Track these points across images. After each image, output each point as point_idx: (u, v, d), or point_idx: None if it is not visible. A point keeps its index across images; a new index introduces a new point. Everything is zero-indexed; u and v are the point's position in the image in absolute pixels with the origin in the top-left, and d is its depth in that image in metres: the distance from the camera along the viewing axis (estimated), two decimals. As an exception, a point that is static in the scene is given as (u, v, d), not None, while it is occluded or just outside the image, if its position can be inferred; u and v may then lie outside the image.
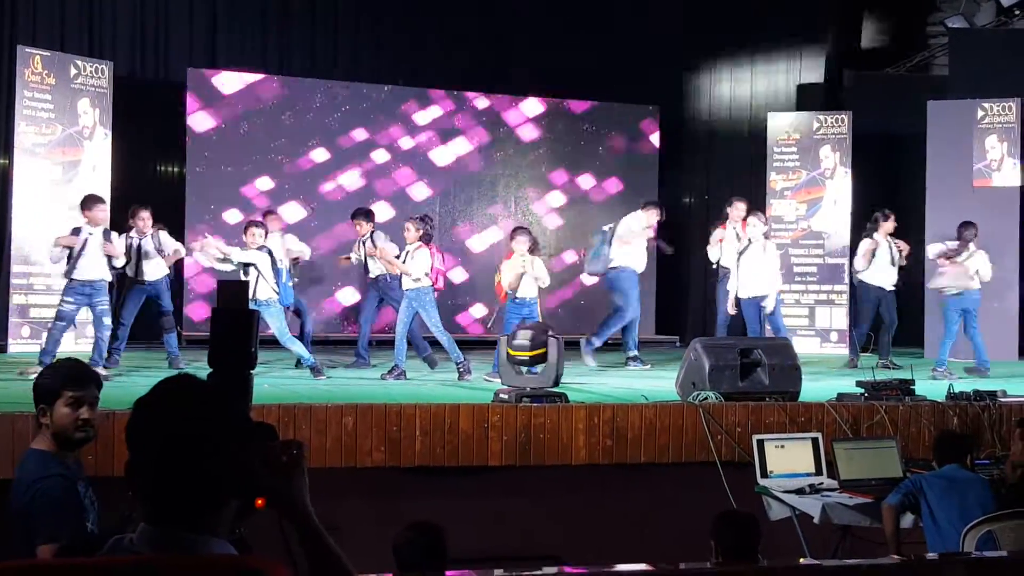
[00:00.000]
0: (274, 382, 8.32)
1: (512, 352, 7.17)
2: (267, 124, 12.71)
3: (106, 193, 11.09)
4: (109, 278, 8.73)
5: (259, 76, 12.79)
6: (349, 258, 10.27)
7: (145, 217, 9.58)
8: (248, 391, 3.01)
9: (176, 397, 1.81)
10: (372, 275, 9.93)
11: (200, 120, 12.40)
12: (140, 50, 12.58)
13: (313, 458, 5.98)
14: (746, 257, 9.98)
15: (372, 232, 9.90)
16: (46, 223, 10.74)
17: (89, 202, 8.79)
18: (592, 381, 8.81)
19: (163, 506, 1.75)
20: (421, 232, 9.10)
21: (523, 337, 7.19)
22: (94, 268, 8.53)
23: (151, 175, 12.75)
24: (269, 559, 1.71)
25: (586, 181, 14.15)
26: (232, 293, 3.32)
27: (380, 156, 13.20)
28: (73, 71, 10.97)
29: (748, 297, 9.94)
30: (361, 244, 9.97)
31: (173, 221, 12.23)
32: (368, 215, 10.10)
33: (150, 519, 1.77)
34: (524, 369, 7.22)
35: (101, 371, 8.18)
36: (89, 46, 12.01)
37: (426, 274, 8.98)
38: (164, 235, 9.82)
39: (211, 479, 1.76)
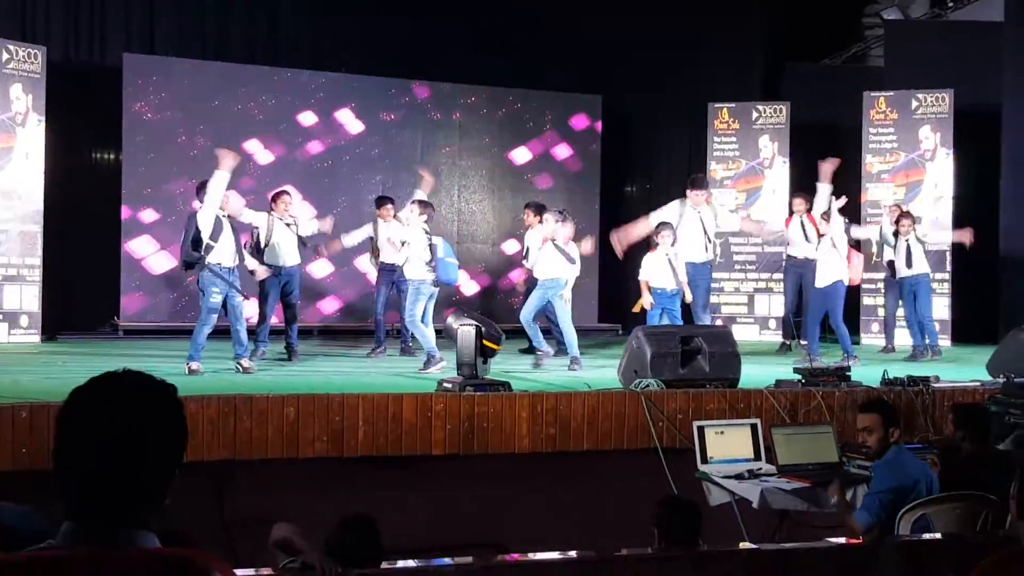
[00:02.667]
0: (216, 371, 8.22)
1: (487, 343, 7.13)
2: (205, 110, 12.53)
3: (40, 180, 10.89)
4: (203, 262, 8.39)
5: (197, 62, 12.60)
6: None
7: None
8: None
9: (121, 392, 1.76)
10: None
11: (137, 106, 12.18)
12: (75, 35, 12.33)
13: (254, 449, 5.94)
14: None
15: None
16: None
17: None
18: (535, 370, 8.86)
19: (97, 502, 1.70)
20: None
21: (491, 329, 7.21)
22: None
23: (87, 162, 12.52)
24: (211, 554, 1.69)
25: (528, 170, 14.15)
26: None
27: (320, 144, 13.08)
28: (5, 56, 10.71)
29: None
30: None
31: (109, 208, 12.06)
32: (540, 208, 10.17)
33: (77, 515, 1.71)
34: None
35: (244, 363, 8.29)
36: (22, 30, 11.75)
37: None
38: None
39: (155, 478, 1.73)
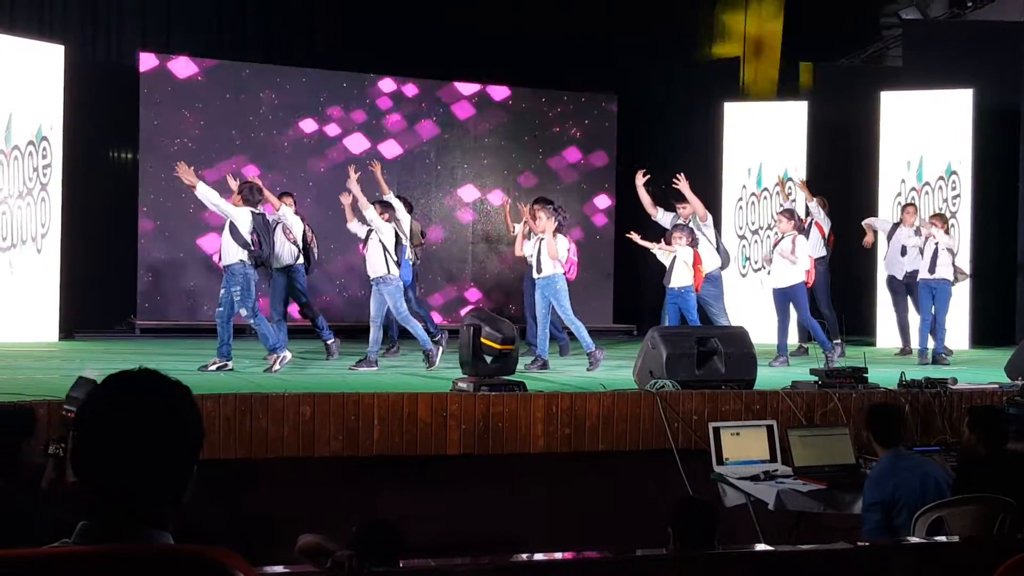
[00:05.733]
0: (233, 370, 8.25)
1: (484, 341, 7.13)
2: (221, 110, 12.58)
3: (57, 178, 10.93)
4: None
5: (213, 61, 12.65)
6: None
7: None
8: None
9: (134, 392, 1.75)
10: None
11: (153, 105, 12.23)
12: (92, 34, 12.40)
13: (270, 448, 5.96)
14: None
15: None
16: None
17: None
18: (550, 370, 8.85)
19: (114, 502, 1.70)
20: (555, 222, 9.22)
21: (496, 328, 7.18)
22: None
23: (104, 161, 12.59)
24: (225, 549, 1.69)
25: (542, 171, 14.13)
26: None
27: (334, 144, 13.11)
28: (25, 54, 10.75)
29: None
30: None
31: (125, 208, 12.12)
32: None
33: (94, 514, 1.71)
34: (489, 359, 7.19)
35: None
36: (39, 28, 11.82)
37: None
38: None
39: (171, 478, 1.73)
